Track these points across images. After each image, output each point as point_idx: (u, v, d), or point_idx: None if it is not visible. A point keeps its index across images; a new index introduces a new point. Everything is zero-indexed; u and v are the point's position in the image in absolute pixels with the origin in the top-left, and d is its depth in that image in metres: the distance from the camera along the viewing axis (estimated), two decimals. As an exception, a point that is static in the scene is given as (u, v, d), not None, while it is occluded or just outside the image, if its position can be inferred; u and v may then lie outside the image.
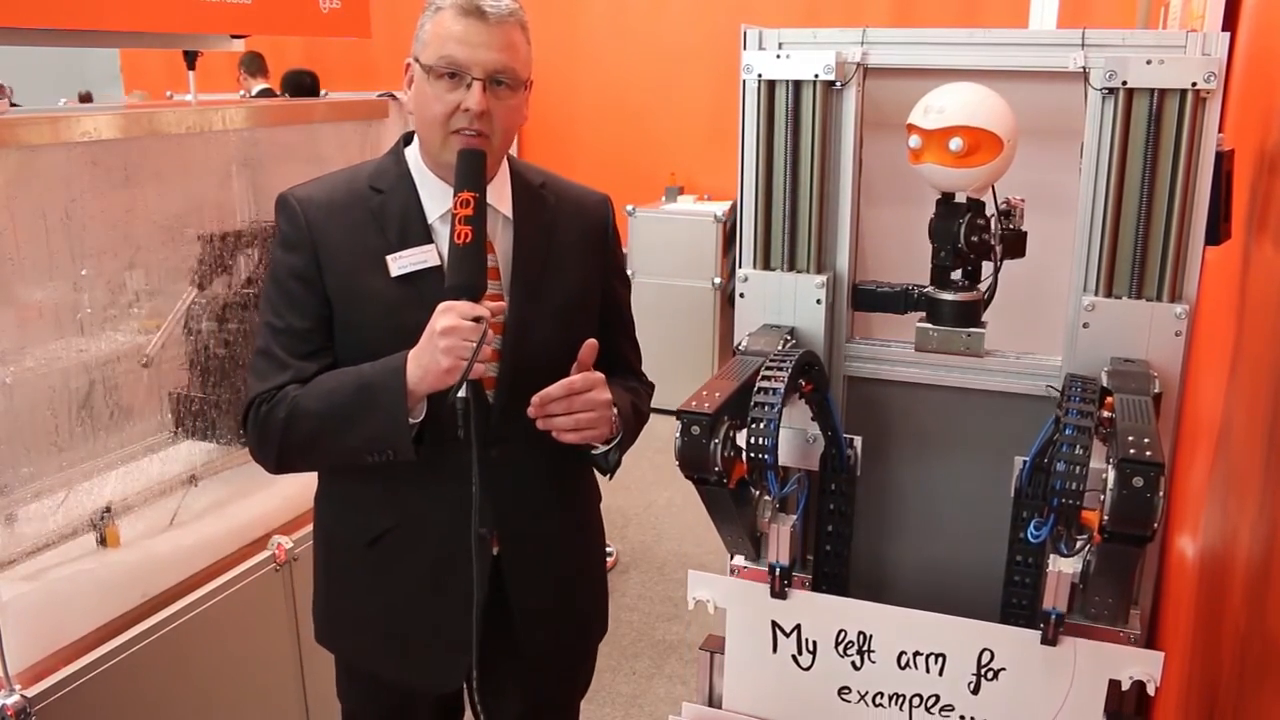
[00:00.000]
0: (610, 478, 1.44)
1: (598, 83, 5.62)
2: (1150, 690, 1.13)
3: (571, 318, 1.39)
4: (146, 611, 1.79)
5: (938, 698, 1.22)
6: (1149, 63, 1.13)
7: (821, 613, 1.26)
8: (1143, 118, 1.15)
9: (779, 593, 1.26)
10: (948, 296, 1.25)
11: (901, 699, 1.24)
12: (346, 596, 1.47)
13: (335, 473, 1.45)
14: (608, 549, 3.48)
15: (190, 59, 2.26)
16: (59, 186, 1.75)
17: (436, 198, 1.35)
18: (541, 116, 5.57)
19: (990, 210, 1.25)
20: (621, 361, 1.49)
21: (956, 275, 1.26)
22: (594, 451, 1.39)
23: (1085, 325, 1.21)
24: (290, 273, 1.33)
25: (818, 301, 1.33)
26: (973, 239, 1.22)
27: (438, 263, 1.31)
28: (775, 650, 1.28)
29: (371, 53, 5.11)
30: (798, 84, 1.28)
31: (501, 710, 1.50)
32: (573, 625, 1.54)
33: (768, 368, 1.16)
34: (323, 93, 2.96)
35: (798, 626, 1.26)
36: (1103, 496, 0.95)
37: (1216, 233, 1.19)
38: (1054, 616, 1.13)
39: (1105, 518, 0.94)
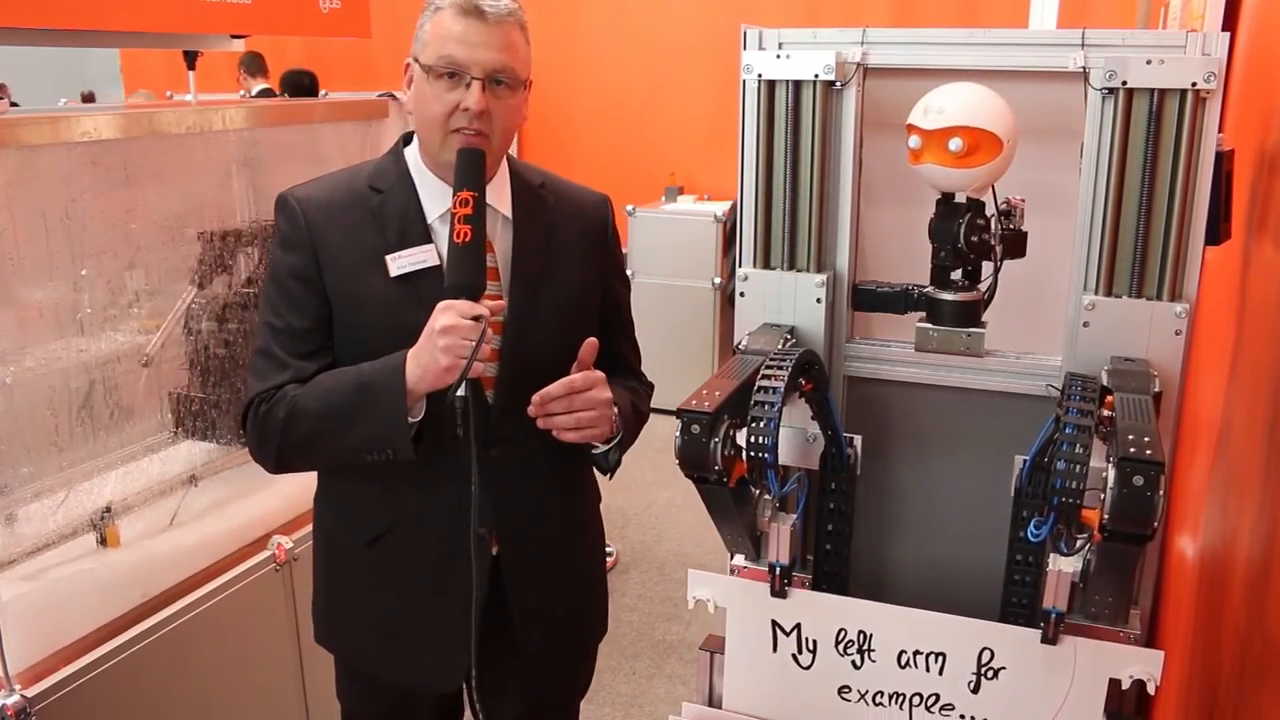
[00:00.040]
0: (610, 477, 1.44)
1: (598, 83, 5.62)
2: (1150, 689, 1.13)
3: (571, 318, 1.39)
4: (146, 611, 1.79)
5: (938, 697, 1.22)
6: (1149, 63, 1.13)
7: (822, 612, 1.26)
8: (1143, 118, 1.15)
9: (779, 592, 1.26)
10: (948, 296, 1.25)
11: (901, 698, 1.24)
12: (346, 596, 1.47)
13: (335, 473, 1.45)
14: (608, 549, 3.48)
15: (190, 59, 2.26)
16: (59, 186, 1.75)
17: (436, 198, 1.35)
18: (541, 116, 5.57)
19: (990, 210, 1.25)
20: (621, 361, 1.49)
21: (956, 275, 1.26)
22: (594, 451, 1.39)
23: (1085, 324, 1.21)
24: (290, 272, 1.33)
25: (818, 301, 1.33)
26: (973, 239, 1.22)
27: (437, 262, 1.32)
28: (775, 649, 1.28)
29: (371, 53, 5.11)
30: (798, 84, 1.28)
31: (501, 710, 1.50)
32: (572, 625, 1.54)
33: (768, 367, 1.16)
34: (323, 93, 2.95)
35: (798, 626, 1.26)
36: (1103, 495, 0.95)
37: (1216, 233, 1.19)
38: (1054, 615, 1.13)
39: (1105, 516, 0.94)
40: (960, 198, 1.23)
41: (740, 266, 1.38)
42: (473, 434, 1.24)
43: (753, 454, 1.10)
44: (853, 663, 1.25)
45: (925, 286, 1.29)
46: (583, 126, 5.67)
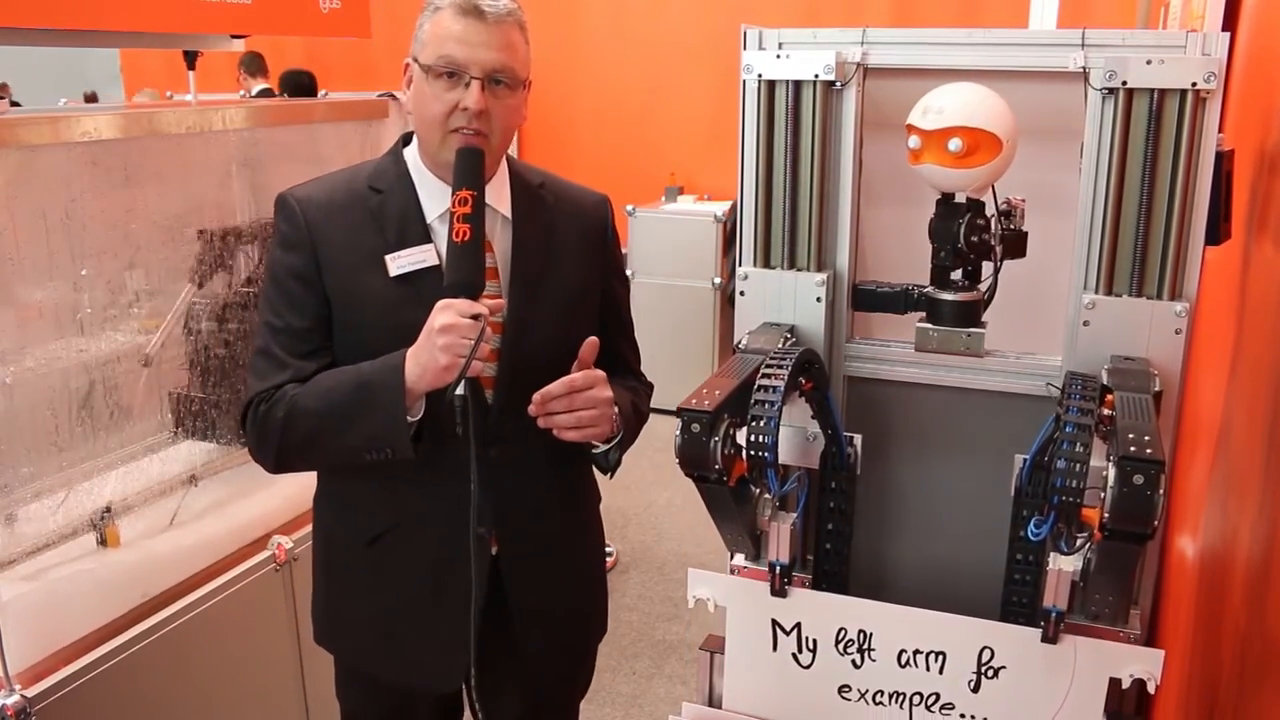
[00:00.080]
0: (611, 477, 1.44)
1: (598, 83, 5.62)
2: (1150, 688, 1.13)
3: (570, 318, 1.39)
4: (146, 611, 1.79)
5: (938, 696, 1.22)
6: (1149, 63, 1.13)
7: (822, 611, 1.26)
8: (1143, 118, 1.15)
9: (779, 591, 1.26)
10: (948, 296, 1.25)
11: (902, 697, 1.24)
12: (346, 596, 1.47)
13: (334, 473, 1.45)
14: (608, 549, 3.47)
15: (190, 59, 2.26)
16: (59, 186, 1.75)
17: (435, 197, 1.35)
18: (541, 117, 5.58)
19: (990, 210, 1.25)
20: (620, 362, 1.49)
21: (956, 275, 1.26)
22: (594, 450, 1.39)
23: (1086, 323, 1.21)
24: (289, 272, 1.33)
25: (818, 300, 1.33)
26: (972, 239, 1.22)
27: (436, 262, 1.32)
28: (775, 649, 1.28)
29: (371, 53, 5.11)
30: (798, 84, 1.28)
31: (501, 710, 1.50)
32: (572, 625, 1.54)
33: (768, 365, 1.16)
34: (322, 93, 2.95)
35: (798, 625, 1.26)
36: (1103, 494, 0.95)
37: (1216, 233, 1.19)
38: (1054, 614, 1.13)
39: (1106, 515, 0.95)
40: (960, 198, 1.23)
41: (740, 265, 1.38)
42: (472, 433, 1.24)
43: (753, 453, 1.10)
44: (853, 662, 1.25)
45: (925, 286, 1.29)
46: (583, 126, 5.67)
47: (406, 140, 1.41)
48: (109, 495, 1.86)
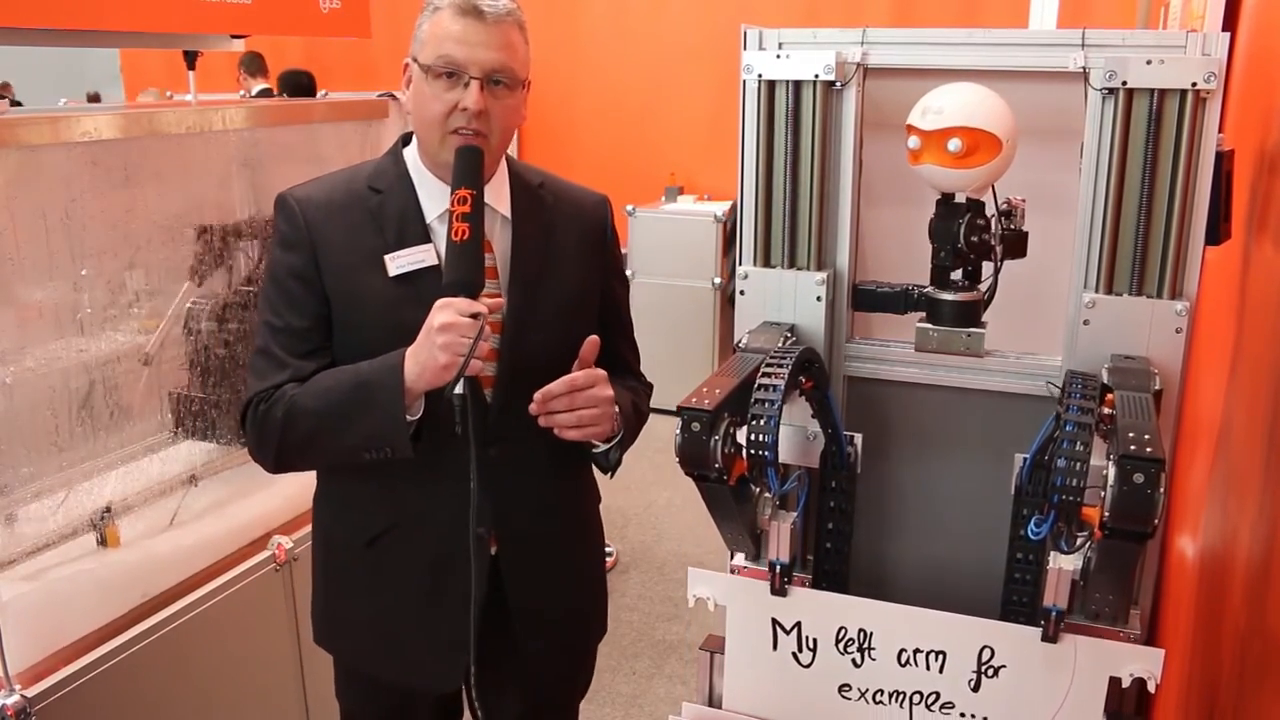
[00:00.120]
0: (611, 476, 1.44)
1: (598, 83, 5.62)
2: (1150, 688, 1.13)
3: (570, 318, 1.39)
4: (146, 611, 1.78)
5: (938, 695, 1.22)
6: (1149, 63, 1.13)
7: (822, 610, 1.26)
8: (1143, 118, 1.15)
9: (779, 590, 1.26)
10: (948, 296, 1.25)
11: (902, 696, 1.24)
12: (345, 597, 1.47)
13: (333, 473, 1.45)
14: (608, 549, 3.47)
15: (190, 59, 2.26)
16: (59, 186, 1.75)
17: (435, 197, 1.35)
18: (541, 117, 5.58)
19: (990, 210, 1.25)
20: (620, 362, 1.49)
21: (956, 275, 1.26)
22: (595, 450, 1.39)
23: (1086, 322, 1.21)
24: (289, 272, 1.33)
25: (818, 299, 1.33)
26: (972, 239, 1.22)
27: (436, 262, 1.32)
28: (775, 648, 1.28)
29: (371, 53, 5.11)
30: (798, 84, 1.28)
31: (500, 710, 1.50)
32: (572, 625, 1.54)
33: (768, 364, 1.16)
34: (322, 92, 2.95)
35: (798, 624, 1.27)
36: (1103, 493, 0.95)
37: (1216, 233, 1.19)
38: (1054, 613, 1.13)
39: (1106, 514, 0.95)
40: (960, 198, 1.23)
41: (740, 265, 1.38)
42: (472, 433, 1.24)
43: (753, 452, 1.11)
44: (853, 661, 1.25)
45: (925, 286, 1.29)
46: (583, 126, 5.67)
47: (406, 140, 1.41)
48: (109, 495, 1.86)
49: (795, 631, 1.27)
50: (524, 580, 1.43)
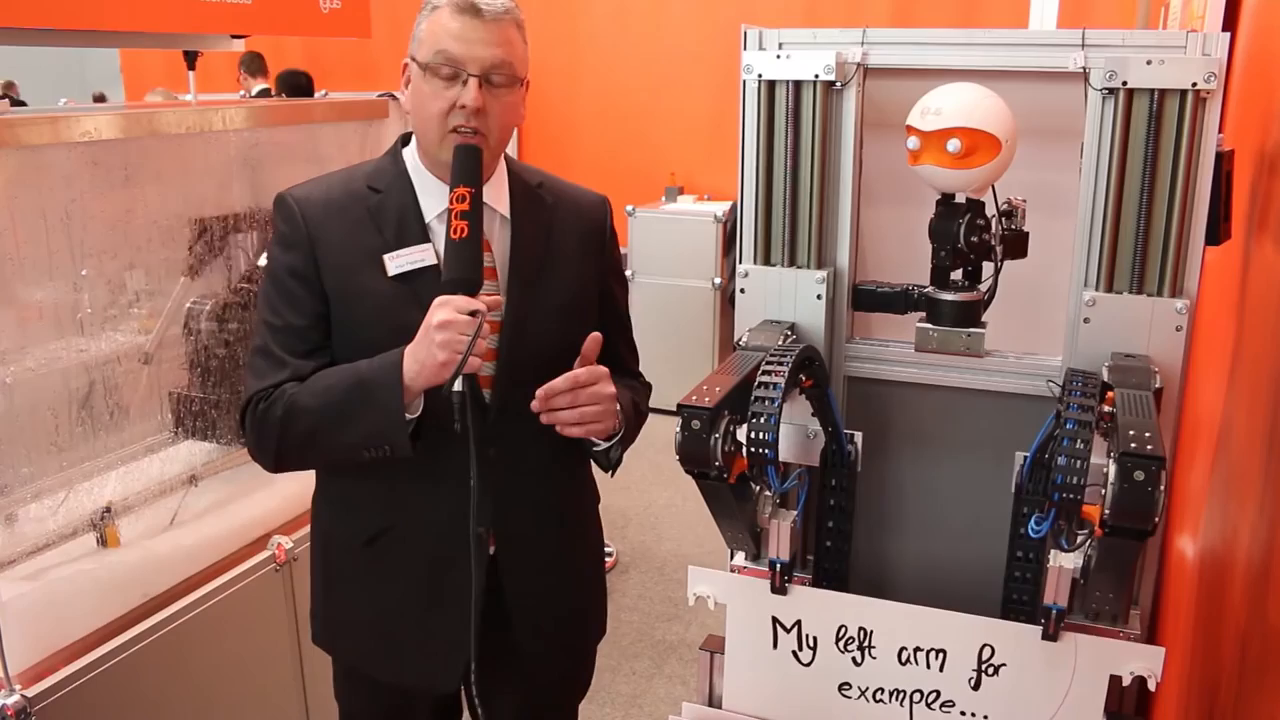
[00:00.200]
0: (612, 475, 1.44)
1: (598, 83, 5.63)
2: (1151, 686, 1.13)
3: (569, 318, 1.39)
4: (146, 611, 1.79)
5: (938, 693, 1.22)
6: (1149, 63, 1.14)
7: (822, 608, 1.26)
8: (1143, 118, 1.15)
9: (779, 588, 1.26)
10: (948, 297, 1.25)
11: (902, 695, 1.24)
12: (344, 597, 1.47)
13: (332, 472, 1.45)
14: (607, 549, 3.47)
15: (190, 59, 2.26)
16: (59, 186, 1.75)
17: (434, 197, 1.35)
18: (542, 117, 5.58)
19: (990, 210, 1.25)
20: (619, 363, 1.49)
21: (956, 275, 1.26)
22: (595, 448, 1.39)
23: (1086, 320, 1.22)
24: (288, 271, 1.33)
25: (818, 297, 1.33)
26: (972, 239, 1.22)
27: (434, 262, 1.32)
28: (775, 646, 1.28)
29: (371, 53, 5.12)
30: (798, 84, 1.28)
31: (499, 710, 1.49)
32: (571, 626, 1.54)
33: (768, 362, 1.16)
34: (322, 92, 2.95)
35: (798, 622, 1.26)
36: (1104, 491, 0.95)
37: (1216, 233, 1.19)
38: (1055, 612, 1.13)
39: (1106, 511, 0.95)
40: (960, 198, 1.24)
41: (741, 263, 1.38)
42: (471, 432, 1.24)
43: (753, 450, 1.11)
44: (853, 659, 1.25)
45: (925, 286, 1.29)
46: (583, 126, 5.68)
47: (405, 140, 1.41)
48: (109, 495, 1.86)
49: (795, 630, 1.27)
50: (523, 580, 1.43)
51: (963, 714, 1.22)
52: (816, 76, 1.27)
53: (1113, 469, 0.94)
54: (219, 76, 5.17)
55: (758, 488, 1.24)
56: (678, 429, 1.09)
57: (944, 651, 1.21)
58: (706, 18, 5.28)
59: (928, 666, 1.22)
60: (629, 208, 5.01)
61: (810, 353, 1.25)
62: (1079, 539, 1.09)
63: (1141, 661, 1.12)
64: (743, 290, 1.37)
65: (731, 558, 1.41)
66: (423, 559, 1.39)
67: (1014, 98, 1.20)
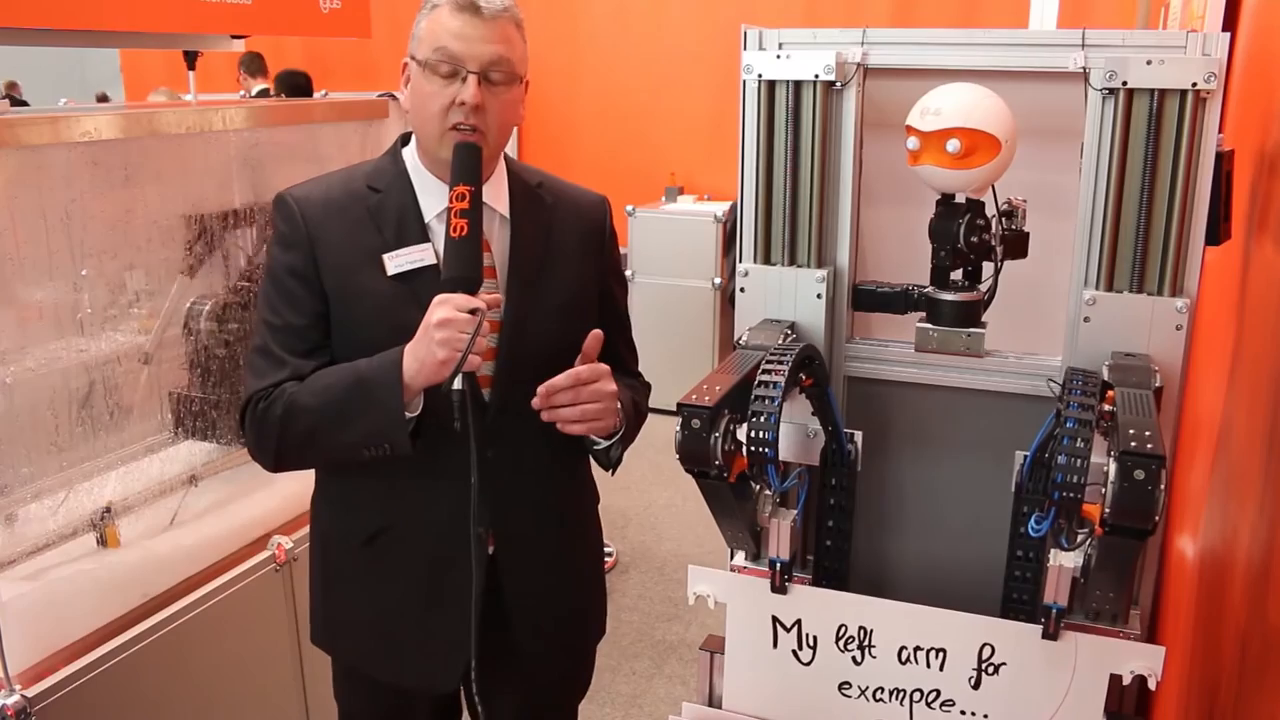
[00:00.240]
0: (613, 473, 1.44)
1: (598, 83, 5.63)
2: (1151, 685, 1.13)
3: (568, 318, 1.39)
4: (146, 611, 1.79)
5: (938, 693, 1.22)
6: (1149, 63, 1.14)
7: (822, 607, 1.26)
8: (1143, 118, 1.15)
9: (779, 587, 1.26)
10: (948, 297, 1.26)
11: (902, 694, 1.24)
12: (343, 596, 1.47)
13: (332, 472, 1.45)
14: (607, 549, 3.47)
15: (190, 59, 2.27)
16: (59, 186, 1.75)
17: (434, 196, 1.35)
18: (542, 117, 5.58)
19: (990, 210, 1.25)
20: (619, 363, 1.49)
21: (956, 275, 1.26)
22: (596, 446, 1.39)
23: (1086, 319, 1.22)
24: (288, 270, 1.33)
25: (818, 296, 1.33)
26: (972, 239, 1.22)
27: (434, 261, 1.32)
28: (775, 645, 1.28)
29: (371, 53, 5.12)
30: (798, 84, 1.28)
31: (499, 711, 1.49)
32: (570, 626, 1.54)
33: (768, 361, 1.16)
34: (322, 92, 2.95)
35: (798, 621, 1.27)
36: (1104, 490, 0.95)
37: (1216, 233, 1.19)
38: (1055, 611, 1.13)
39: (1106, 510, 0.95)
40: (960, 198, 1.24)
41: (741, 262, 1.38)
42: (471, 431, 1.24)
43: (753, 449, 1.11)
44: (853, 659, 1.25)
45: (925, 286, 1.29)
46: (583, 126, 5.68)
47: (405, 140, 1.41)
48: (109, 495, 1.86)
49: (795, 629, 1.27)
50: (522, 580, 1.43)
51: (963, 713, 1.22)
52: (816, 76, 1.27)
53: (1113, 468, 0.94)
54: (219, 76, 5.17)
55: (758, 487, 1.24)
56: (678, 428, 1.09)
57: (944, 651, 1.21)
58: (706, 18, 5.28)
59: (928, 666, 1.22)
60: (629, 208, 5.02)
61: (810, 352, 1.25)
62: (1079, 538, 1.09)
63: (1142, 661, 1.13)
64: (743, 289, 1.37)
65: (731, 557, 1.41)
66: (422, 559, 1.39)
67: (1014, 98, 1.20)
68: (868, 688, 1.25)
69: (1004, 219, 1.26)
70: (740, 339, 1.31)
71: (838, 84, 1.28)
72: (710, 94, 5.28)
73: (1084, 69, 1.19)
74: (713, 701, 1.37)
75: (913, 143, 1.20)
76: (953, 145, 1.17)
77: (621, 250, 1.46)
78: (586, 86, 5.62)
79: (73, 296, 1.82)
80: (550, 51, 5.40)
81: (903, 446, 1.40)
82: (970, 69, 1.25)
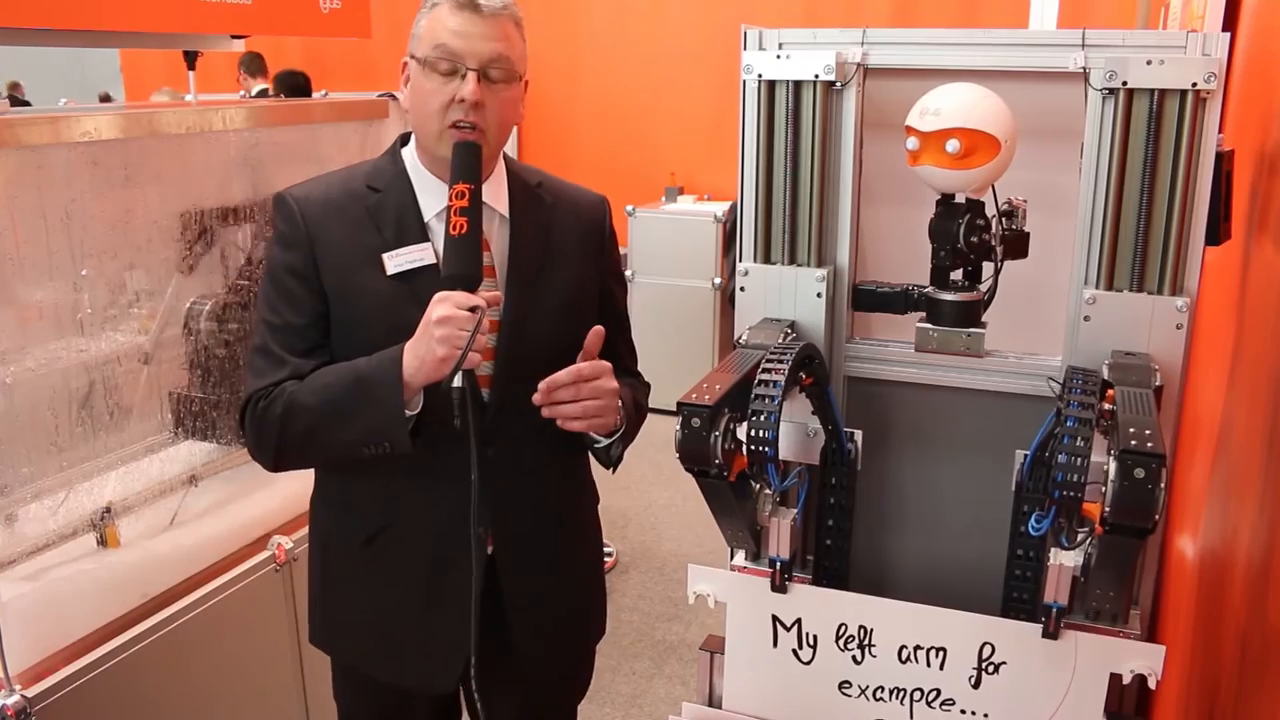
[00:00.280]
0: (614, 471, 1.44)
1: (598, 83, 5.63)
2: (1151, 684, 1.13)
3: (567, 317, 1.39)
4: (146, 611, 1.79)
5: (939, 692, 1.22)
6: (1149, 63, 1.14)
7: (822, 606, 1.26)
8: (1143, 118, 1.16)
9: (779, 586, 1.26)
10: (947, 297, 1.26)
11: (902, 693, 1.24)
12: (343, 596, 1.47)
13: (331, 471, 1.45)
14: (607, 549, 3.47)
15: (190, 59, 2.27)
16: (59, 186, 1.75)
17: (433, 196, 1.35)
18: (542, 117, 5.58)
19: (990, 210, 1.25)
20: (618, 363, 1.48)
21: (956, 275, 1.26)
22: (597, 444, 1.39)
23: (1086, 318, 1.22)
24: (287, 270, 1.34)
25: (818, 295, 1.33)
26: (972, 239, 1.22)
27: (433, 261, 1.32)
28: (775, 645, 1.28)
29: (371, 53, 5.12)
30: (798, 84, 1.28)
31: (498, 711, 1.49)
32: (570, 626, 1.54)
33: (768, 360, 1.16)
34: (322, 92, 2.95)
35: (798, 620, 1.27)
36: (1104, 488, 0.95)
37: (1217, 233, 1.19)
38: (1055, 610, 1.13)
39: (1106, 509, 0.95)
40: (960, 198, 1.24)
41: (741, 261, 1.38)
42: (471, 429, 1.24)
43: (753, 448, 1.11)
44: (853, 658, 1.25)
45: (925, 286, 1.29)
46: (583, 126, 5.68)
47: (405, 140, 1.41)
48: (109, 495, 1.86)
49: (795, 628, 1.27)
50: (521, 581, 1.43)
51: (963, 712, 1.22)
52: (816, 76, 1.27)
53: (1113, 466, 0.94)
54: (219, 76, 5.17)
55: (758, 486, 1.24)
56: (678, 427, 1.09)
57: (944, 650, 1.21)
58: (706, 18, 5.28)
59: (928, 665, 1.22)
60: (629, 208, 5.02)
61: (810, 350, 1.25)
62: (1079, 537, 1.09)
63: (1142, 660, 1.13)
64: (743, 288, 1.37)
65: (732, 557, 1.41)
66: (422, 559, 1.39)
67: (1014, 98, 1.20)
68: (868, 687, 1.25)
69: (1004, 219, 1.26)
70: (740, 338, 1.31)
71: (838, 84, 1.28)
72: (710, 94, 5.28)
73: (1084, 69, 1.19)
74: (713, 701, 1.37)
75: (912, 143, 1.20)
76: (952, 145, 1.17)
77: (621, 250, 1.46)
78: (586, 86, 5.62)
79: (73, 296, 1.82)
80: (550, 51, 5.40)
81: (903, 446, 1.40)
82: (970, 69, 1.25)
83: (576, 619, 1.55)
